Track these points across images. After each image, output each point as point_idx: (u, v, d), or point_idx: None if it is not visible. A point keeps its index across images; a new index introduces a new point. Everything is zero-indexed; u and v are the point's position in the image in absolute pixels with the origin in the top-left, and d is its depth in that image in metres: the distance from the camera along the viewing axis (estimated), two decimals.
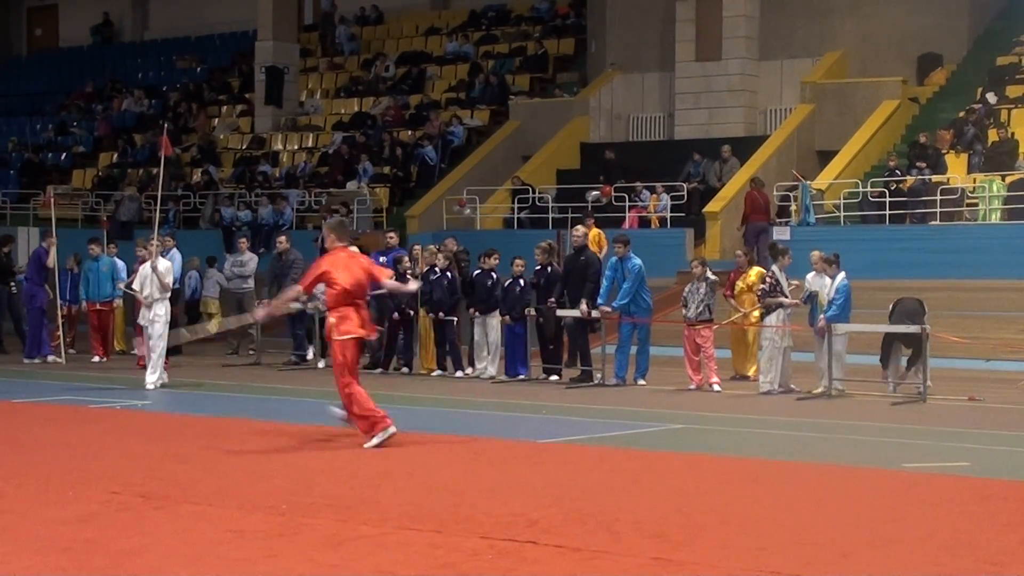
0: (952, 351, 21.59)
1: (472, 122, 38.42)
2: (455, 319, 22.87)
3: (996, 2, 35.30)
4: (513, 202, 33.59)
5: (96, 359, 25.61)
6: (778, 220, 29.57)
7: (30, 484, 11.77)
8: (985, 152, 29.93)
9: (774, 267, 20.79)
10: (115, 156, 43.51)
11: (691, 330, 20.89)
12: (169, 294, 21.53)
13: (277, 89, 41.51)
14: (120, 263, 26.79)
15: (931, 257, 26.93)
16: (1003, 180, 28.50)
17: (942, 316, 22.31)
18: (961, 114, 31.32)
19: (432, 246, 24.76)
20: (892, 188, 29.10)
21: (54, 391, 20.19)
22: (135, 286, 22.06)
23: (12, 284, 27.48)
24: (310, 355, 24.94)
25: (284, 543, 9.39)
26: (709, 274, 21.26)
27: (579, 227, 23.00)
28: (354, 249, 15.52)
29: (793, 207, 30.04)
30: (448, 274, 23.02)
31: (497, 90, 39.29)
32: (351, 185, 36.12)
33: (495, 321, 22.49)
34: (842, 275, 20.25)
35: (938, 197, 28.35)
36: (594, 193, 31.92)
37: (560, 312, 21.85)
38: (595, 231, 24.36)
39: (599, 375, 21.49)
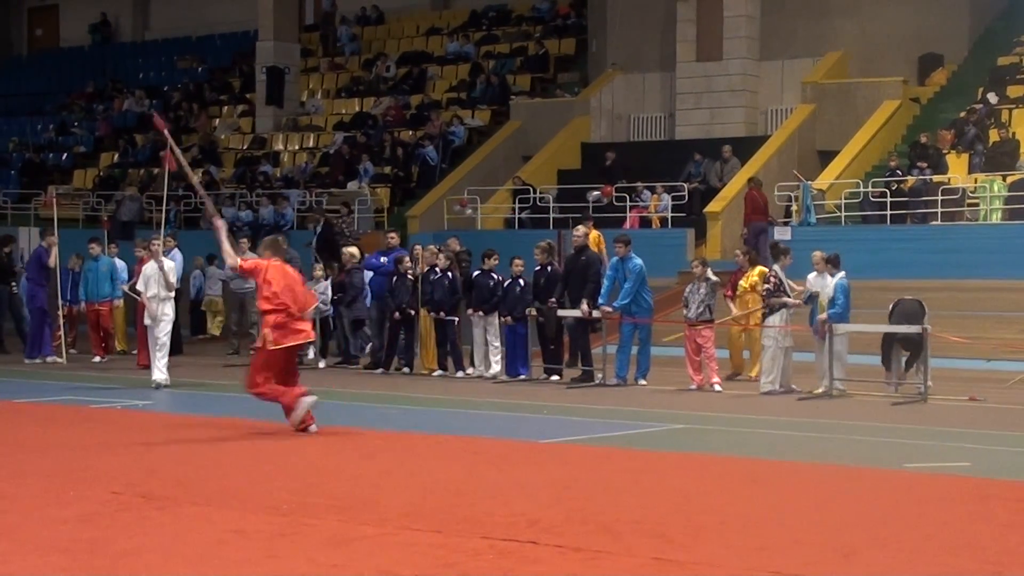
0: (953, 351, 21.59)
1: (473, 122, 38.43)
2: (456, 319, 22.87)
3: (997, 2, 35.32)
4: (514, 202, 33.59)
5: (97, 359, 25.61)
6: (775, 220, 29.54)
7: (31, 484, 11.77)
8: (986, 152, 29.94)
9: (776, 267, 20.79)
10: (116, 156, 43.52)
11: (692, 330, 20.89)
12: (174, 293, 21.54)
13: (278, 89, 41.53)
14: (120, 263, 26.79)
15: (932, 257, 26.94)
16: (1004, 180, 28.51)
17: (943, 316, 22.30)
18: (962, 114, 31.33)
19: (433, 246, 24.76)
20: (893, 188, 29.11)
21: (55, 391, 20.19)
22: (139, 286, 22.05)
23: (13, 284, 27.47)
24: (310, 355, 24.90)
25: (286, 543, 9.39)
26: (710, 274, 21.26)
27: (580, 227, 23.00)
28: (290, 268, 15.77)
29: (794, 207, 30.04)
30: (449, 274, 23.02)
31: (498, 90, 39.31)
32: (352, 185, 36.14)
33: (496, 321, 22.49)
34: (841, 275, 20.26)
35: (939, 197, 28.35)
36: (595, 193, 31.94)
37: (561, 312, 21.85)
38: (595, 233, 24.35)
39: (600, 375, 21.49)
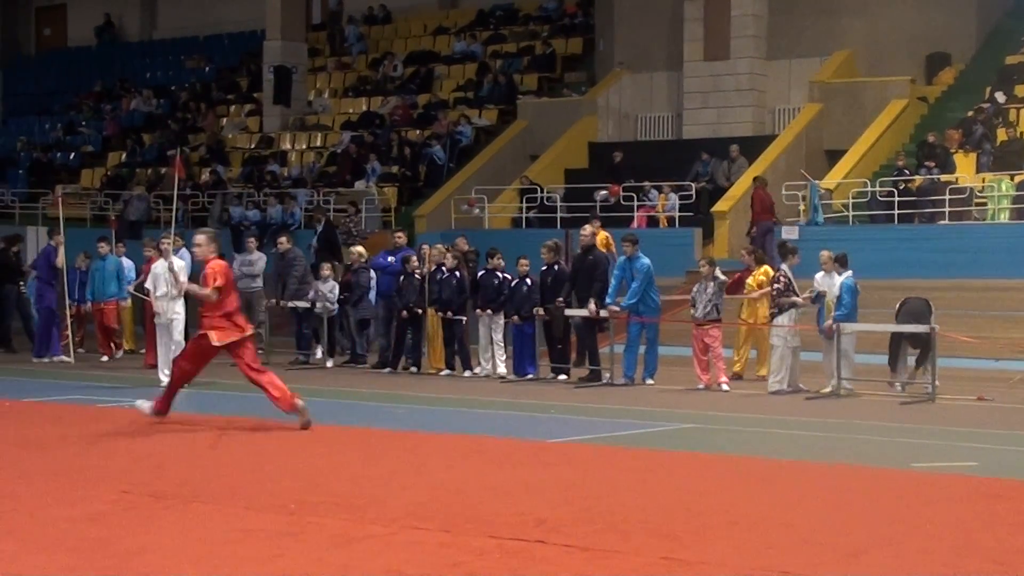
0: (961, 351, 21.57)
1: (480, 121, 38.43)
2: (464, 318, 22.87)
3: (1004, 1, 35.28)
4: (521, 202, 33.57)
5: (105, 358, 25.62)
6: (780, 219, 29.51)
7: (39, 483, 11.78)
8: (994, 151, 29.91)
9: (784, 266, 20.77)
10: (123, 156, 43.55)
11: (699, 330, 20.89)
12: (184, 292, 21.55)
13: (285, 88, 41.54)
14: (127, 262, 26.81)
15: (940, 256, 26.91)
16: (1012, 179, 28.48)
17: (951, 315, 22.28)
18: (970, 113, 31.30)
19: (440, 245, 24.76)
20: (901, 187, 29.09)
21: (63, 390, 20.21)
22: (148, 285, 22.05)
23: (21, 284, 27.50)
24: (318, 354, 24.95)
25: (292, 542, 9.39)
26: (718, 273, 21.25)
27: (587, 226, 22.99)
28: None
29: (802, 207, 30.01)
30: (457, 273, 23.02)
31: (505, 89, 39.31)
32: (359, 184, 36.15)
33: (502, 321, 22.49)
34: (847, 274, 20.25)
35: (947, 197, 28.33)
36: (602, 193, 31.92)
37: (568, 311, 21.85)
38: (603, 234, 24.33)
39: (608, 375, 21.49)
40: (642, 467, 13.07)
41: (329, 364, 24.44)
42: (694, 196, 31.78)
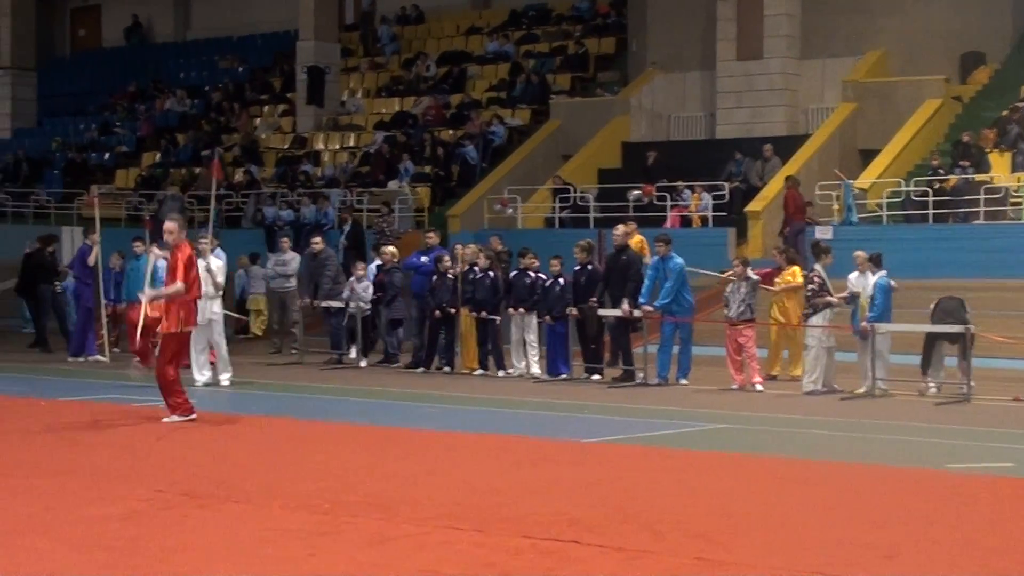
0: (997, 351, 21.45)
1: (513, 121, 38.43)
2: (497, 318, 22.87)
3: None
4: (554, 201, 33.57)
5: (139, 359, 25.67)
6: (814, 219, 29.41)
7: (74, 482, 11.83)
8: None
9: (817, 266, 20.71)
10: (158, 156, 43.69)
11: (733, 330, 20.84)
12: (222, 292, 21.62)
13: (318, 89, 41.61)
14: (162, 263, 26.83)
15: (975, 257, 26.78)
16: None
17: (986, 316, 22.17)
18: (1004, 112, 31.14)
19: (473, 245, 24.78)
20: (935, 187, 28.96)
21: (99, 390, 20.29)
22: None
23: (56, 283, 27.61)
24: (352, 354, 24.98)
25: (327, 542, 9.42)
26: (751, 273, 21.21)
27: (620, 226, 22.96)
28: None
29: (835, 206, 29.92)
30: (490, 273, 23.03)
31: (538, 89, 39.29)
32: (393, 184, 36.19)
33: (534, 320, 22.49)
34: (881, 274, 20.18)
35: (982, 196, 28.19)
36: (635, 192, 31.88)
37: (602, 311, 21.83)
38: (638, 237, 24.24)
39: (641, 375, 21.46)
40: (676, 467, 13.06)
41: (363, 364, 24.47)
42: (727, 196, 31.70)
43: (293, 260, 27.01)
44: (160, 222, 35.53)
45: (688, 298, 21.61)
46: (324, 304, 25.38)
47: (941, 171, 29.47)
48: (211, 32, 51.98)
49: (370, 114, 41.91)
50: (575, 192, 33.49)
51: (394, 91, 42.76)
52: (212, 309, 21.22)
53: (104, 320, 25.81)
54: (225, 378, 21.06)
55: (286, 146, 41.83)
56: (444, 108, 40.23)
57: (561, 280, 22.36)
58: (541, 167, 35.85)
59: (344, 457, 13.55)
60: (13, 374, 23.05)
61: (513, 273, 23.07)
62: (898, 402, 19.20)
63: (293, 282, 26.71)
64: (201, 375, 21.08)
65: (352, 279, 25.22)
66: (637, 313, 21.41)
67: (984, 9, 33.80)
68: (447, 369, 23.44)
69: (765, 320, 22.01)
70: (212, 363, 21.25)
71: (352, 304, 24.79)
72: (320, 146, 41.18)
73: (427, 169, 37.31)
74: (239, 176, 39.54)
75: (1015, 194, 28.54)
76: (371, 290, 24.81)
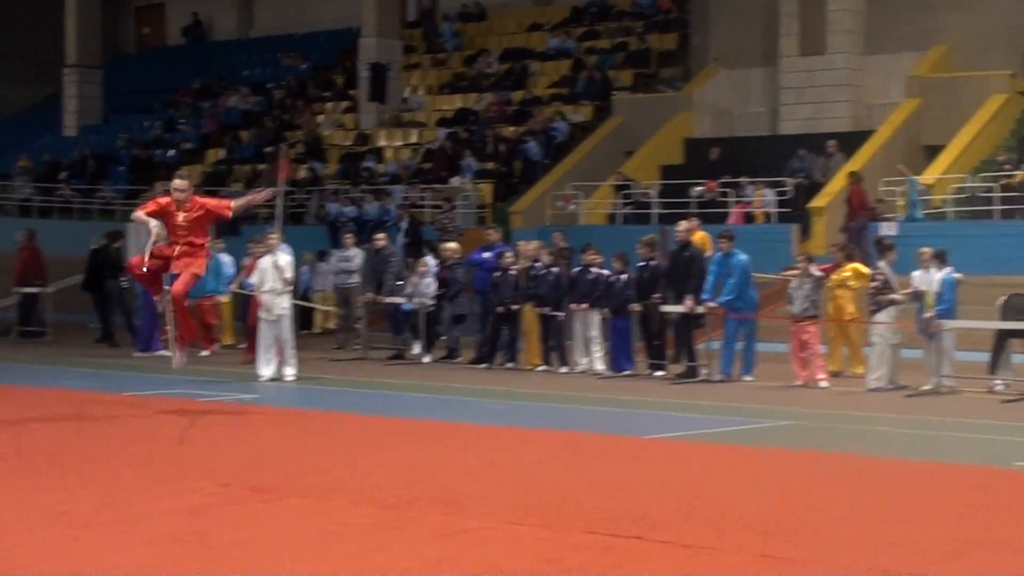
0: None
1: (575, 118, 38.40)
2: (560, 314, 22.86)
3: None
4: (616, 198, 33.53)
5: (205, 353, 25.86)
6: (878, 215, 29.22)
7: (141, 475, 11.93)
8: None
9: (881, 263, 20.59)
10: (222, 153, 43.96)
11: (797, 326, 20.75)
12: (292, 287, 21.73)
13: (381, 86, 41.72)
14: (226, 258, 27.03)
15: None
16: None
17: None
18: None
19: (536, 241, 24.79)
20: (1001, 183, 28.72)
21: (164, 384, 20.43)
22: (253, 280, 22.20)
23: (123, 279, 27.81)
24: (415, 350, 25.04)
25: (391, 536, 9.45)
26: (814, 270, 21.12)
27: (683, 222, 22.92)
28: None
29: (900, 202, 29.73)
30: (553, 269, 23.03)
31: (600, 86, 39.24)
32: (455, 181, 36.25)
33: (597, 317, 22.48)
34: (947, 270, 20.05)
35: None
36: (698, 189, 31.80)
37: (665, 307, 21.80)
38: (701, 234, 24.16)
39: (705, 371, 21.41)
40: (740, 464, 13.03)
41: (426, 359, 24.53)
42: (791, 192, 31.55)
43: (356, 256, 27.12)
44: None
45: (752, 294, 21.55)
46: (387, 300, 25.48)
47: (1007, 166, 29.21)
48: (274, 30, 52.22)
49: (432, 111, 41.99)
50: (637, 188, 33.45)
51: (456, 88, 42.83)
52: (281, 304, 21.34)
53: (170, 315, 25.90)
54: (290, 373, 21.19)
55: (349, 143, 41.99)
56: (506, 105, 40.26)
57: (624, 276, 22.33)
58: (603, 163, 35.79)
59: (408, 452, 13.59)
60: (81, 368, 23.27)
61: (576, 269, 23.07)
62: (964, 399, 19.07)
63: (356, 278, 26.82)
64: (266, 369, 21.21)
65: (415, 275, 25.29)
66: (700, 309, 21.37)
67: None
68: (510, 365, 23.46)
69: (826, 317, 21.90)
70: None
71: (415, 300, 24.85)
72: (383, 143, 41.30)
73: (489, 166, 37.35)
74: (302, 173, 39.70)
75: None
76: (434, 286, 24.86)
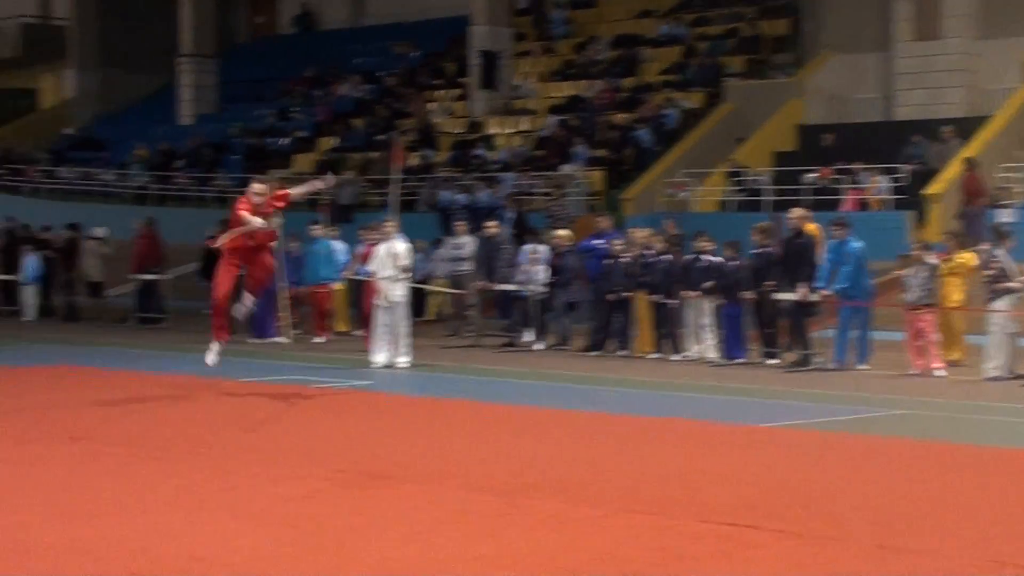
0: None
1: (686, 104, 38.22)
2: (672, 302, 22.80)
3: None
4: (728, 185, 33.34)
5: (319, 340, 26.09)
6: (995, 201, 28.81)
7: (257, 461, 12.08)
8: None
9: (998, 251, 20.30)
10: (335, 141, 44.27)
11: (912, 314, 20.53)
12: (407, 275, 21.85)
13: (492, 73, 41.79)
14: (339, 245, 27.23)
15: None
16: None
17: None
18: None
19: (647, 228, 24.72)
20: None
21: (278, 371, 20.65)
22: (370, 268, 22.32)
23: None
24: (527, 337, 25.07)
25: (506, 523, 9.49)
26: (930, 258, 20.88)
27: (796, 209, 22.75)
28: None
29: (1018, 189, 29.27)
30: (665, 257, 22.97)
31: (711, 72, 39.02)
32: (566, 168, 36.24)
33: (709, 304, 22.39)
34: None
35: None
36: (811, 175, 31.55)
37: (778, 295, 21.66)
38: (812, 226, 23.94)
39: (819, 359, 21.25)
40: (855, 453, 12.93)
41: (538, 347, 24.55)
42: (905, 179, 31.21)
43: (468, 244, 27.20)
44: (338, 206, 36.23)
45: (866, 282, 21.33)
46: (499, 287, 25.55)
47: None
48: (386, 18, 52.47)
49: (543, 98, 42.00)
50: (749, 175, 33.26)
51: (567, 75, 42.77)
52: (396, 292, 21.48)
53: (285, 302, 26.20)
54: (403, 360, 21.32)
55: (460, 130, 42.11)
56: (617, 92, 40.16)
57: (737, 264, 22.22)
58: (714, 150, 35.61)
59: (521, 439, 13.64)
60: (197, 355, 23.53)
61: (688, 257, 22.98)
62: None
63: (468, 266, 26.91)
64: (380, 356, 21.36)
65: (526, 262, 25.34)
66: (814, 297, 21.22)
67: None
68: (622, 353, 23.43)
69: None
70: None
71: (527, 287, 24.89)
72: (493, 130, 41.37)
73: (600, 153, 37.30)
74: (414, 160, 39.87)
75: None
76: (545, 273, 24.87)
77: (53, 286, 33.50)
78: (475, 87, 42.40)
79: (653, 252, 23.16)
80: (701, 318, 22.51)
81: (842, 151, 33.07)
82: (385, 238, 22.08)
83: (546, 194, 34.15)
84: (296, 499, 10.28)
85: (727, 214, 32.50)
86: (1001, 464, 12.33)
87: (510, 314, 25.73)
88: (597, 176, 36.00)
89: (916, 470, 11.94)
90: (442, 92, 45.08)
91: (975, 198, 28.41)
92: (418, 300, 29.32)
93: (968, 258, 21.23)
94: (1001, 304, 19.89)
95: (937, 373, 20.05)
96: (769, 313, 22.00)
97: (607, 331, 23.73)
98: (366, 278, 23.62)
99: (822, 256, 21.52)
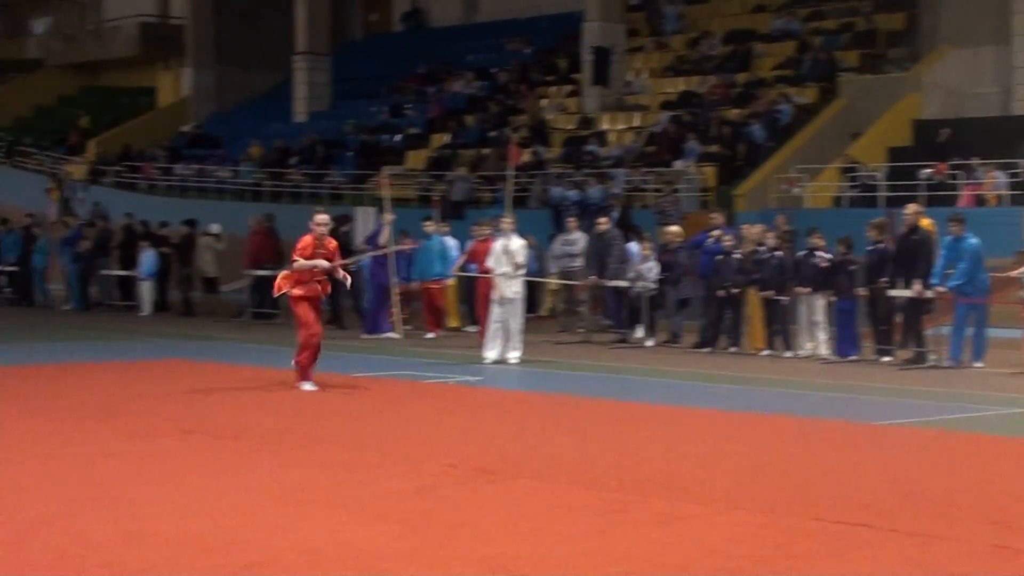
0: None
1: (800, 100, 37.91)
2: (784, 298, 22.65)
3: None
4: (842, 181, 33.03)
5: (430, 336, 26.20)
6: None
7: (369, 455, 12.16)
8: None
9: None
10: (447, 137, 44.45)
11: None
12: (523, 271, 21.87)
13: (604, 69, 41.73)
14: (451, 242, 27.32)
15: None
16: None
17: None
18: None
19: (759, 224, 24.58)
20: None
21: (391, 366, 20.77)
22: (490, 264, 22.31)
23: (351, 262, 28.26)
24: (638, 334, 25.02)
25: (614, 520, 9.48)
26: None
27: (911, 205, 22.51)
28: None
29: None
30: (777, 253, 22.82)
31: (825, 67, 38.68)
32: (678, 164, 36.10)
33: (822, 301, 22.21)
34: None
35: None
36: (927, 171, 31.18)
37: (893, 292, 21.44)
38: (927, 221, 23.68)
39: (934, 357, 21.01)
40: (970, 452, 12.77)
41: (649, 343, 24.50)
42: None
43: (579, 240, 27.18)
44: (450, 203, 36.37)
45: (983, 279, 21.05)
46: (610, 284, 25.52)
47: None
48: (498, 15, 52.58)
49: (655, 94, 41.87)
50: (863, 171, 32.94)
51: (679, 71, 42.60)
52: (512, 288, 21.52)
53: (397, 298, 26.36)
54: (514, 356, 21.36)
55: (572, 127, 42.08)
56: (730, 87, 39.94)
57: (850, 260, 22.02)
58: (828, 146, 35.30)
59: (631, 436, 13.62)
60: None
61: (801, 253, 22.82)
62: None
63: (579, 261, 26.89)
64: (491, 352, 21.42)
65: (638, 259, 25.29)
66: (929, 294, 20.98)
67: None
68: (733, 349, 23.32)
69: None
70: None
71: (639, 284, 24.84)
72: (606, 126, 41.30)
73: (713, 149, 37.12)
74: (526, 157, 39.91)
75: None
76: (656, 270, 24.81)
77: (169, 281, 33.99)
78: (587, 83, 42.36)
79: (765, 248, 23.03)
80: (814, 315, 22.35)
81: (958, 146, 32.63)
82: (501, 234, 22.13)
83: (657, 190, 34.05)
84: (407, 494, 10.33)
85: (841, 210, 32.21)
86: None
87: (618, 310, 25.70)
88: (709, 172, 35.81)
89: None
90: (554, 88, 45.09)
91: None
92: (531, 295, 29.40)
93: None
94: None
95: None
96: (883, 310, 21.79)
97: (718, 327, 23.64)
98: (476, 275, 23.70)
99: (937, 252, 21.27)
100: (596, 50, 41.46)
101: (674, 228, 25.78)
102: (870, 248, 21.92)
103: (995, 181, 30.67)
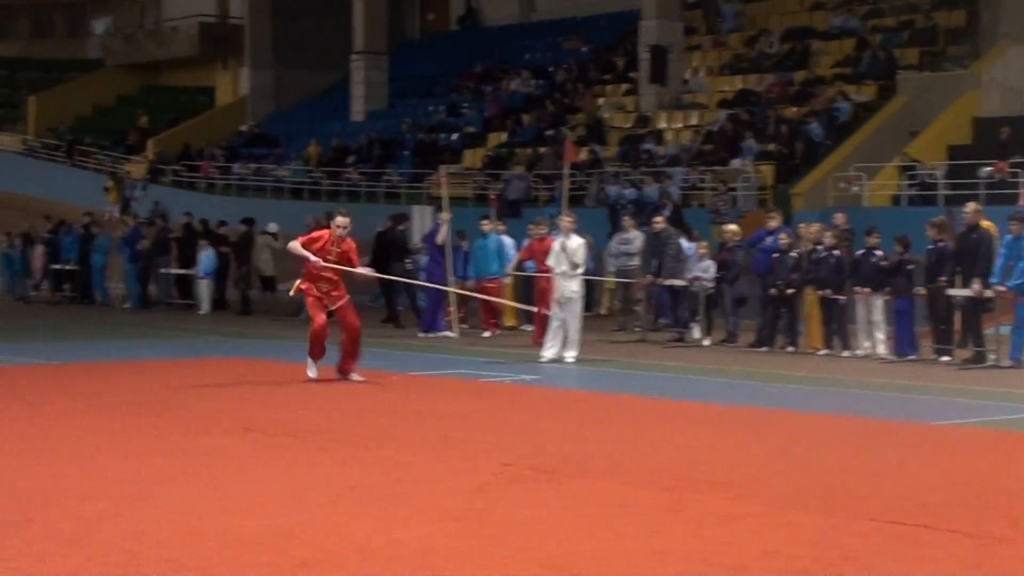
0: None
1: (858, 97, 37.70)
2: (842, 297, 22.53)
3: None
4: (901, 179, 32.81)
5: (487, 334, 26.22)
6: None
7: (426, 454, 12.18)
8: None
9: None
10: (504, 136, 44.47)
11: None
12: (581, 271, 21.84)
13: (661, 67, 41.64)
14: (508, 240, 27.33)
15: None
16: None
17: None
18: None
19: (817, 223, 24.46)
20: None
21: (448, 364, 20.81)
22: (550, 262, 22.29)
23: (407, 261, 28.35)
24: (695, 333, 24.95)
25: (671, 519, 9.46)
26: None
27: (971, 204, 22.33)
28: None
29: None
30: (835, 252, 22.70)
31: (884, 65, 38.44)
32: (735, 163, 35.99)
33: (880, 300, 22.08)
34: None
35: None
36: (987, 169, 30.95)
37: (952, 291, 21.29)
38: (986, 223, 23.47)
39: (993, 356, 20.84)
40: None
41: (706, 342, 24.43)
42: None
43: (636, 238, 27.13)
44: (507, 201, 36.39)
45: None
46: (667, 283, 25.46)
47: None
48: (555, 13, 52.60)
49: (713, 92, 41.75)
50: (923, 169, 32.71)
51: (737, 69, 42.46)
52: (570, 287, 21.51)
53: (453, 297, 26.39)
54: (571, 355, 21.35)
55: (629, 125, 42.01)
56: (787, 85, 39.76)
57: (908, 259, 21.88)
58: (887, 144, 35.08)
59: (687, 435, 13.59)
60: (366, 349, 23.79)
61: (859, 252, 22.68)
62: None
63: (636, 260, 26.85)
64: (549, 351, 21.41)
65: (694, 257, 25.23)
66: (988, 293, 20.81)
67: None
68: (790, 349, 23.22)
69: None
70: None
71: (696, 284, 24.78)
72: (663, 125, 41.22)
73: (770, 147, 36.96)
74: (583, 155, 39.89)
75: None
76: (713, 269, 24.74)
77: (227, 280, 34.17)
78: (644, 81, 42.28)
79: (823, 247, 22.91)
80: (872, 314, 22.22)
81: (1019, 144, 32.35)
82: (560, 233, 22.13)
83: (713, 189, 33.96)
84: (463, 492, 10.34)
85: (900, 209, 32.01)
86: None
87: (674, 309, 25.64)
88: (767, 171, 35.69)
89: None
90: (611, 87, 45.05)
91: None
92: (589, 294, 29.40)
93: None
94: None
95: None
96: (943, 309, 21.64)
97: (775, 327, 23.54)
98: (532, 274, 23.70)
99: (997, 251, 21.09)
100: (653, 48, 41.39)
101: (732, 227, 25.70)
102: (930, 247, 21.77)
103: None
